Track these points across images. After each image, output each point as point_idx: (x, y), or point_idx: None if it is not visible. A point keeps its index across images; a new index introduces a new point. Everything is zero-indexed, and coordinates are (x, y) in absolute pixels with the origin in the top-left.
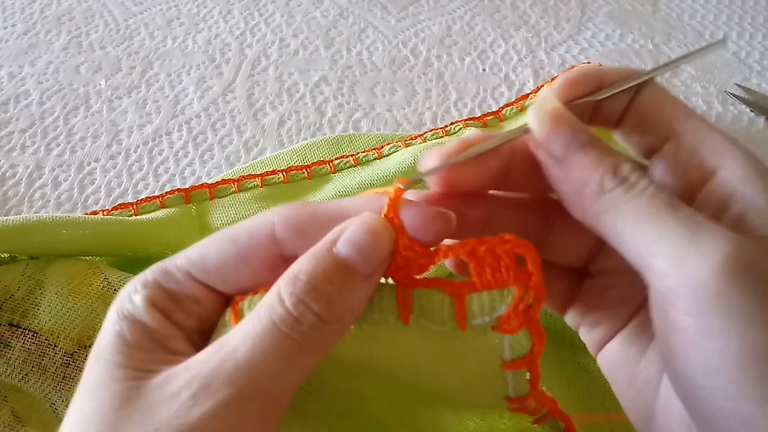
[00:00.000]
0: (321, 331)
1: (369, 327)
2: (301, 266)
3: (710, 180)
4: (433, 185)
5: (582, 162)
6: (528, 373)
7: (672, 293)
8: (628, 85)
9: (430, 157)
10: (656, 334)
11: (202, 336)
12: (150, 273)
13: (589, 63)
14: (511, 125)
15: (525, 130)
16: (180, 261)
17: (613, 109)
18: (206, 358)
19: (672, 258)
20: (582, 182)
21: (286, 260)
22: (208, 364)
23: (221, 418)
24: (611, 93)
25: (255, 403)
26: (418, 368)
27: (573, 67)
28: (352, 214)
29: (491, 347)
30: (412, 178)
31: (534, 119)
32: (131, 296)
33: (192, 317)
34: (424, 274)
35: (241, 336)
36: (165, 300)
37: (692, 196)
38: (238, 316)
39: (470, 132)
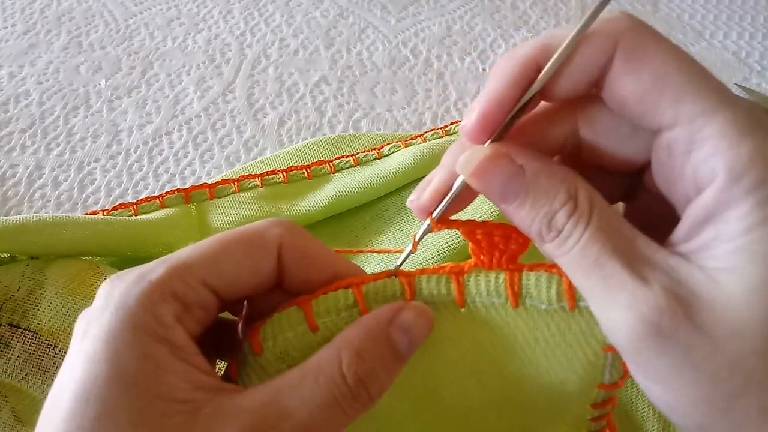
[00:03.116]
0: (367, 407)
1: (478, 310)
2: (362, 345)
3: (697, 196)
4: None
5: (519, 213)
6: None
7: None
8: (567, 51)
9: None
10: None
11: (199, 340)
12: (167, 280)
13: None
14: None
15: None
16: (196, 268)
17: (568, 83)
18: (258, 406)
19: (599, 316)
20: (525, 230)
21: (279, 273)
22: (261, 415)
23: None
24: (550, 72)
25: None
26: (511, 358)
27: None
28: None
29: (594, 331)
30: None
31: (463, 174)
32: (150, 308)
33: (198, 324)
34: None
35: (300, 400)
36: (181, 311)
37: (680, 210)
38: (260, 346)
39: None
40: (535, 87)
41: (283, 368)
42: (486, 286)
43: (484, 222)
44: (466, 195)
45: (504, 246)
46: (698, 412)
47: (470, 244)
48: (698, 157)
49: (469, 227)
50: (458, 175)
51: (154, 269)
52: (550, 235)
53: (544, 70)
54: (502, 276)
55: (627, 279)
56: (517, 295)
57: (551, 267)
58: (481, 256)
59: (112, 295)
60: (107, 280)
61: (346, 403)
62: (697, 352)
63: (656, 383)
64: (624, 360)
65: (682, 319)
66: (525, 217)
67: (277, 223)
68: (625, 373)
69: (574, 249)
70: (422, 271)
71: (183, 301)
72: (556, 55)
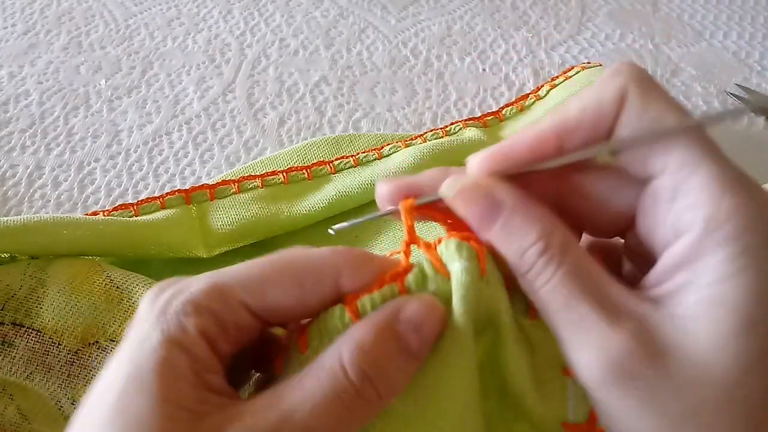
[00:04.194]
0: (375, 406)
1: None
2: (364, 338)
3: (673, 245)
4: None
5: (495, 242)
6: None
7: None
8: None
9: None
10: None
11: (232, 358)
12: (204, 296)
13: (588, 63)
14: (511, 125)
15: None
16: (238, 290)
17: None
18: (261, 409)
19: (569, 355)
20: (503, 257)
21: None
22: (265, 417)
23: None
24: (558, 164)
25: None
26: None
27: (572, 68)
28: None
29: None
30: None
31: (446, 194)
32: (181, 319)
33: (231, 344)
34: None
35: (301, 398)
36: (214, 328)
37: (658, 256)
38: (306, 344)
39: (470, 132)
40: (552, 163)
41: None
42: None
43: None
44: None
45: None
46: None
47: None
48: (680, 206)
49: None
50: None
51: (197, 283)
52: (524, 267)
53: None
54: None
55: (596, 321)
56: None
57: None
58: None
59: (154, 303)
60: (155, 286)
61: (350, 399)
62: (660, 396)
63: (618, 425)
64: (591, 400)
65: (649, 363)
66: (501, 246)
67: (340, 252)
68: (591, 418)
69: (544, 288)
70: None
71: (219, 319)
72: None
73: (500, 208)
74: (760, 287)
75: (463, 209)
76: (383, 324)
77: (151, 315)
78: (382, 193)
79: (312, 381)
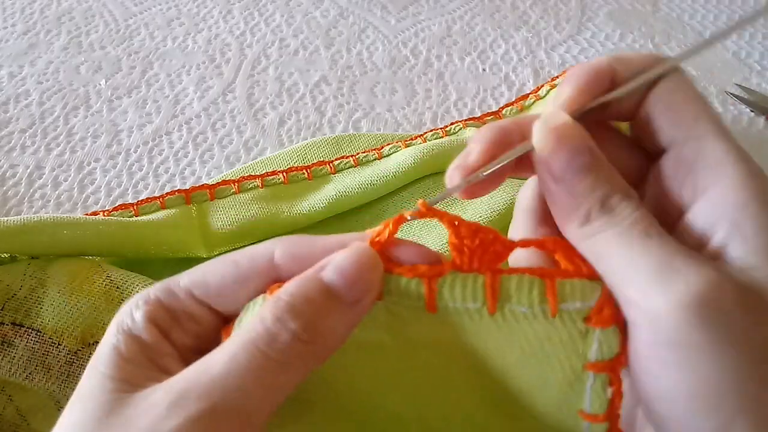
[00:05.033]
0: (297, 351)
1: (450, 316)
2: (286, 288)
3: (700, 200)
4: (459, 195)
5: (575, 189)
6: (609, 389)
7: (636, 323)
8: (641, 81)
9: (455, 175)
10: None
11: (197, 355)
12: (153, 290)
13: None
14: None
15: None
16: (183, 280)
17: (626, 102)
18: (190, 372)
19: (637, 290)
20: (571, 208)
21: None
22: (185, 376)
23: (192, 431)
24: (624, 92)
25: (228, 418)
26: (489, 367)
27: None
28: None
29: (576, 344)
30: (434, 198)
31: (537, 134)
32: (132, 311)
33: (189, 336)
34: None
35: (219, 352)
36: (165, 317)
37: (682, 215)
38: (228, 335)
39: (470, 132)
40: (612, 95)
41: None
42: (462, 290)
43: (470, 221)
44: (497, 175)
45: (484, 249)
46: (714, 400)
47: (450, 238)
48: (703, 171)
49: (453, 219)
50: (490, 153)
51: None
52: (599, 213)
53: (626, 87)
54: (480, 279)
55: (675, 254)
56: (496, 298)
57: (532, 271)
58: (461, 255)
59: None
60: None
61: (264, 343)
62: (746, 330)
63: (673, 370)
64: (646, 342)
65: (736, 298)
66: (580, 192)
67: (274, 239)
68: (611, 405)
69: (622, 223)
70: (395, 267)
71: (168, 309)
72: (641, 78)
73: (593, 152)
74: None
75: (553, 149)
76: (308, 275)
77: (115, 317)
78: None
79: (232, 337)
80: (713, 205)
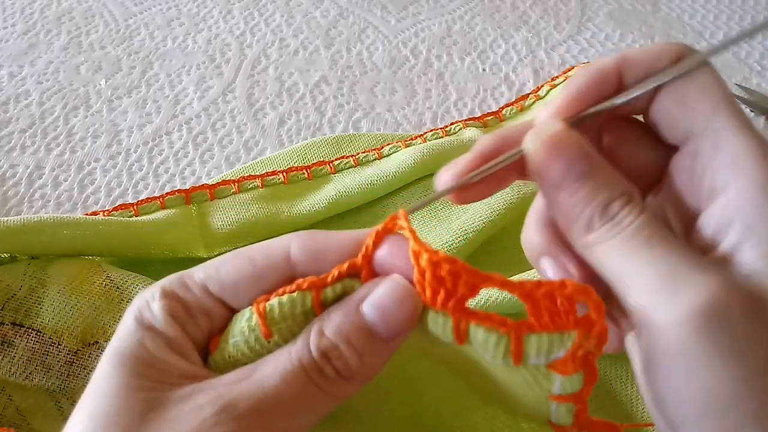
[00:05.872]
0: (339, 384)
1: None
2: (330, 322)
3: (718, 198)
4: (450, 199)
5: (574, 197)
6: (574, 407)
7: (644, 328)
8: (652, 86)
9: (445, 176)
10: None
11: (205, 350)
12: (168, 283)
13: (588, 63)
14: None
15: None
16: (198, 274)
17: (639, 97)
18: (234, 380)
19: (643, 299)
20: (572, 216)
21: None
22: (236, 386)
23: None
24: (628, 98)
25: None
26: (476, 370)
27: (572, 68)
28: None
29: (540, 381)
30: (419, 202)
31: (530, 144)
32: (150, 304)
33: (202, 330)
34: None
35: (272, 370)
36: (181, 311)
37: (699, 212)
38: (263, 317)
39: (470, 132)
40: (619, 100)
41: (229, 369)
42: (434, 324)
43: (435, 250)
44: (497, 181)
45: (451, 285)
46: (720, 410)
47: (414, 274)
48: (721, 166)
49: (418, 247)
50: (488, 155)
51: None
52: (602, 221)
53: (636, 89)
54: (449, 322)
55: (679, 262)
56: (463, 340)
57: (502, 322)
58: (424, 292)
59: (132, 303)
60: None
61: (314, 373)
62: (750, 341)
63: (680, 377)
64: (654, 349)
65: (742, 309)
66: (580, 200)
67: (290, 234)
68: (577, 421)
69: (626, 230)
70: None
71: (183, 303)
72: (651, 81)
73: (590, 159)
74: None
75: (547, 160)
76: (349, 309)
77: (129, 309)
78: (483, 148)
79: (282, 355)
80: (729, 204)
